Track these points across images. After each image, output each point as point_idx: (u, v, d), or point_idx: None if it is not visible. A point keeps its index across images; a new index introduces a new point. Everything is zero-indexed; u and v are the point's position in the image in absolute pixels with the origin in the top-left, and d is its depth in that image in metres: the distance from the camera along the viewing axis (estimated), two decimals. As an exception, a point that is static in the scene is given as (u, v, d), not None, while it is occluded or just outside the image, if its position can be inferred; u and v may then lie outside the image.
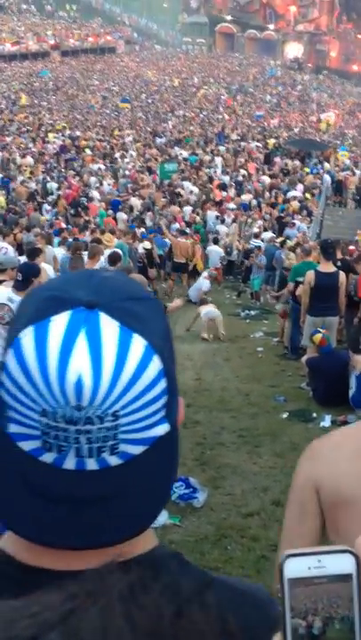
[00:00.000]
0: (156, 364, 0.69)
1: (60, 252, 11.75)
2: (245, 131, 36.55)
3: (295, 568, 0.70)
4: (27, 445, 0.69)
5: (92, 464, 0.68)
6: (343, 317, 8.69)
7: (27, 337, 0.68)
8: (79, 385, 0.65)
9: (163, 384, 0.70)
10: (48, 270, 8.75)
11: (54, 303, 0.69)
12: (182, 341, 11.73)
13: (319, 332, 7.50)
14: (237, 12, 78.13)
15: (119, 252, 10.39)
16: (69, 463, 0.68)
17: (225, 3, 79.26)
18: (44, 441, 0.68)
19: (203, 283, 14.62)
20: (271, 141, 32.78)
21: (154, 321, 0.72)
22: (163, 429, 0.72)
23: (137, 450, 0.69)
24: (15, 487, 0.69)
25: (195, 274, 16.34)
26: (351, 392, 6.97)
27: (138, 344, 0.68)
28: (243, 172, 27.06)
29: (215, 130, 35.87)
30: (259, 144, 32.31)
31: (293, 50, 70.79)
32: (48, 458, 0.68)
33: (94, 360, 0.66)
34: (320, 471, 1.53)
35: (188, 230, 17.98)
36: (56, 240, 14.05)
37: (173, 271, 16.61)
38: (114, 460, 0.68)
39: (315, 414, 7.21)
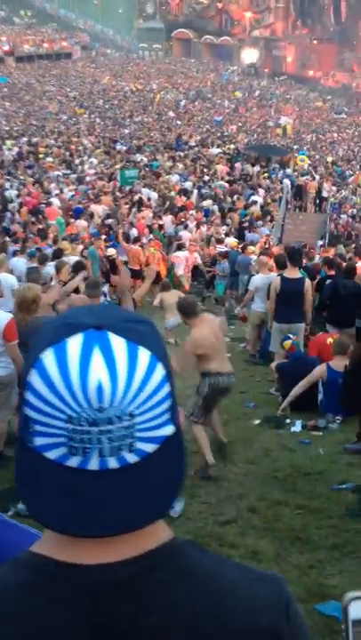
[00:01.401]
0: (160, 370, 0.82)
1: (20, 262, 11.60)
2: (205, 136, 36.76)
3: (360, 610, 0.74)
4: (52, 454, 0.79)
5: (113, 462, 0.78)
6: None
7: (48, 357, 0.79)
8: (100, 389, 0.77)
9: (167, 388, 0.82)
10: (10, 280, 8.62)
11: (67, 329, 0.80)
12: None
13: (290, 338, 7.60)
14: (194, 17, 78.60)
15: (82, 260, 10.33)
16: (93, 463, 0.78)
17: (181, 8, 79.66)
18: (70, 446, 0.78)
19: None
20: (231, 147, 33.05)
21: (153, 337, 0.84)
22: (169, 430, 0.83)
23: (150, 447, 0.80)
24: (44, 491, 0.81)
25: (159, 280, 16.36)
26: (320, 397, 7.08)
27: (144, 354, 0.80)
28: (206, 177, 27.24)
29: (173, 135, 36.00)
30: (220, 150, 32.54)
31: (250, 55, 71.51)
32: (74, 462, 0.78)
33: (110, 368, 0.77)
34: (195, 336, 5.64)
35: (149, 237, 17.97)
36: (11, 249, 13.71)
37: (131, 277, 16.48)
38: (131, 458, 0.79)
39: (287, 420, 7.26)
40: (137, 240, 17.19)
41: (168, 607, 0.79)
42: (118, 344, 0.79)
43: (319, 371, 6.97)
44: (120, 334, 0.80)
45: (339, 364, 6.82)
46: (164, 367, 0.82)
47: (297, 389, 7.01)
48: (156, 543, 0.82)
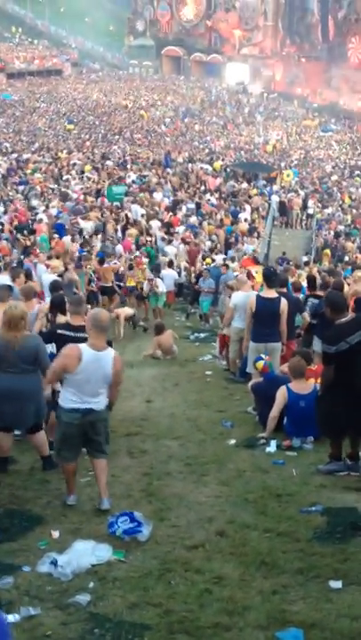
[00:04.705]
0: None
1: (3, 279, 11.58)
2: (192, 153, 37.00)
3: None
4: None
5: None
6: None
7: None
8: None
9: None
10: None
11: None
12: (131, 367, 11.73)
13: (262, 358, 7.61)
14: (183, 35, 79.36)
15: (59, 280, 10.32)
16: None
17: (171, 26, 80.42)
18: None
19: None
20: (218, 164, 33.26)
21: None
22: None
23: None
24: None
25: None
26: (285, 420, 7.07)
27: None
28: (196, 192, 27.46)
29: (162, 152, 36.22)
30: (206, 166, 32.75)
31: (239, 73, 72.18)
32: None
33: None
34: None
35: (134, 255, 18.06)
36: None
37: (101, 294, 16.37)
38: None
39: (262, 440, 7.24)
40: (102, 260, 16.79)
41: None
42: None
43: (281, 395, 6.98)
44: None
45: (298, 386, 6.85)
46: None
47: (271, 423, 7.05)
48: None
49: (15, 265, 13.54)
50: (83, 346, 5.28)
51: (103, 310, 6.03)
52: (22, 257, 16.50)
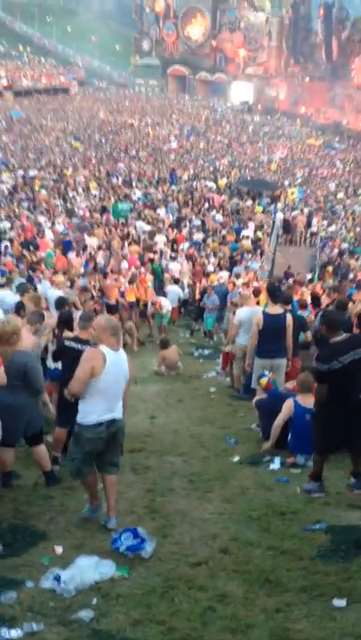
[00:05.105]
0: None
1: (6, 295, 11.60)
2: (198, 170, 37.21)
3: None
4: None
5: None
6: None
7: None
8: None
9: None
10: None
11: None
12: (135, 383, 11.72)
13: (265, 375, 7.62)
14: (189, 54, 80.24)
15: (65, 296, 10.36)
16: None
17: (176, 46, 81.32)
18: None
19: None
20: (223, 181, 33.45)
21: None
22: None
23: None
24: None
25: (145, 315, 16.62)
26: (289, 437, 7.06)
27: None
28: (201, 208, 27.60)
29: (167, 170, 36.44)
30: (211, 184, 32.93)
31: (243, 92, 72.83)
32: None
33: None
34: None
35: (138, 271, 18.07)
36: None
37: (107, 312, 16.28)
38: None
39: (267, 457, 7.22)
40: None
41: None
42: None
43: (287, 407, 6.99)
44: None
45: (305, 400, 6.86)
46: None
47: (275, 431, 7.04)
48: None
49: (24, 281, 13.57)
50: (102, 348, 5.25)
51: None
52: (30, 272, 16.54)
